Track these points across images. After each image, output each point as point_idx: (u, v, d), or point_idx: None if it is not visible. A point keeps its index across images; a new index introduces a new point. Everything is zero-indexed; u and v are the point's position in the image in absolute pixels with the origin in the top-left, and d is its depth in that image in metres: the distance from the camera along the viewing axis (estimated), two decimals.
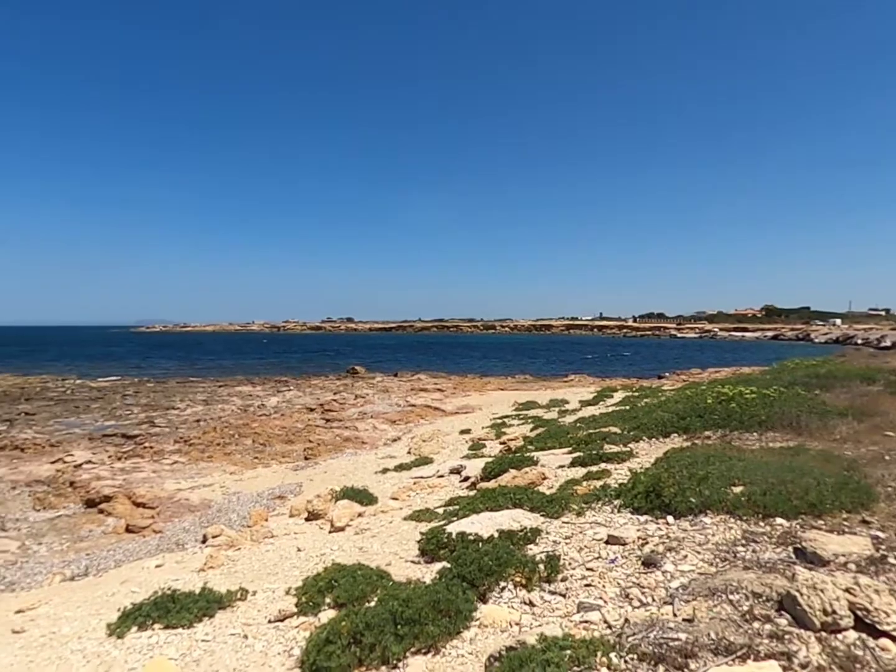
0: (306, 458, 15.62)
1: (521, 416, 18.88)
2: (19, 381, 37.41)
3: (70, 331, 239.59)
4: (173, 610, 5.00)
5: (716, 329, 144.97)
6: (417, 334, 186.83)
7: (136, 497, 11.24)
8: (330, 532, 7.52)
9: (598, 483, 6.91)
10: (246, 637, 4.51)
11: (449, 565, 4.71)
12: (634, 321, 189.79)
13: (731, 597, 3.37)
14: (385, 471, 12.14)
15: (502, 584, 4.34)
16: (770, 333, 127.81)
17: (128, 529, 9.84)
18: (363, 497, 8.83)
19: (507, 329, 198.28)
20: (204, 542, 8.23)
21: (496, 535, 5.29)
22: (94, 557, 8.32)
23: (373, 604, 4.25)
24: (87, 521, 10.49)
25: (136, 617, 5.01)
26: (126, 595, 5.99)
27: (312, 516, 8.40)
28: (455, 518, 6.48)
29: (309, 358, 66.88)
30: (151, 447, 16.85)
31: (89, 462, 14.83)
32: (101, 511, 10.91)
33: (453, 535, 5.49)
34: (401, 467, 12.18)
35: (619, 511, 5.62)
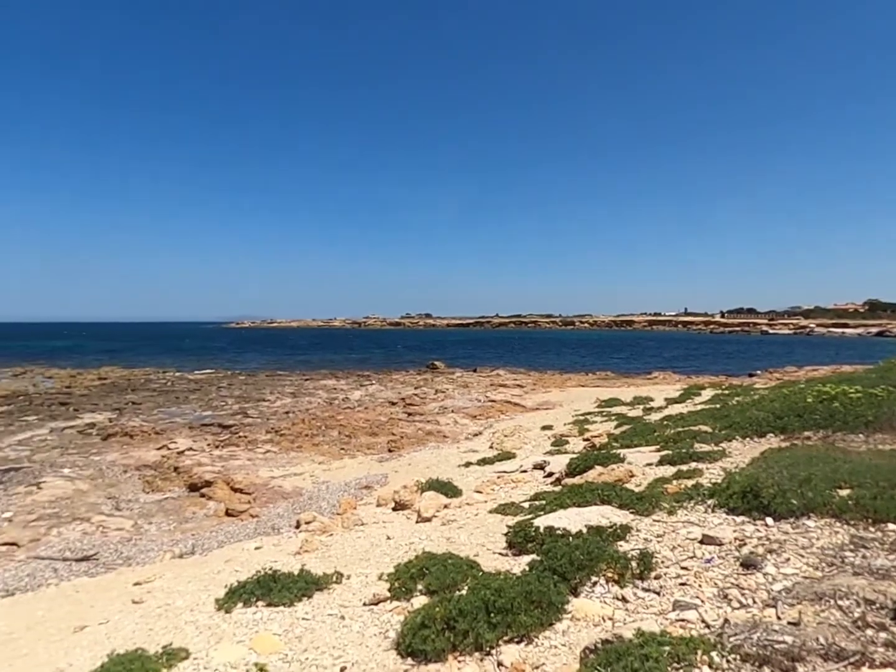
0: (390, 451, 16.00)
1: (605, 413, 18.55)
2: (125, 373, 40.32)
3: (168, 326, 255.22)
4: (275, 589, 5.29)
5: (812, 325, 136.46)
6: (495, 330, 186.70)
7: (233, 483, 11.91)
8: (417, 522, 7.71)
9: (690, 482, 6.73)
10: (343, 618, 4.72)
11: (539, 558, 4.75)
12: (722, 316, 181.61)
13: (840, 602, 3.23)
14: (468, 464, 12.27)
15: (594, 578, 4.33)
16: (874, 330, 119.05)
17: (227, 513, 10.45)
18: (448, 489, 8.98)
19: (586, 325, 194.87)
20: (297, 527, 8.62)
21: (585, 530, 5.28)
22: (199, 538, 8.91)
23: (464, 592, 4.34)
24: (190, 504, 11.22)
25: (241, 594, 5.34)
26: (230, 574, 6.39)
27: (399, 506, 8.63)
28: (541, 512, 6.50)
29: (389, 353, 68.23)
30: (245, 436, 17.77)
31: (190, 449, 15.83)
32: (202, 495, 11.64)
33: (541, 529, 5.52)
34: (483, 461, 12.27)
35: (713, 511, 5.46)
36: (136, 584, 6.64)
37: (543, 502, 7.14)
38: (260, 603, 5.17)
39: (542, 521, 5.79)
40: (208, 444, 16.79)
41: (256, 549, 7.65)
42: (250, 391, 30.55)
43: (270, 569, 5.72)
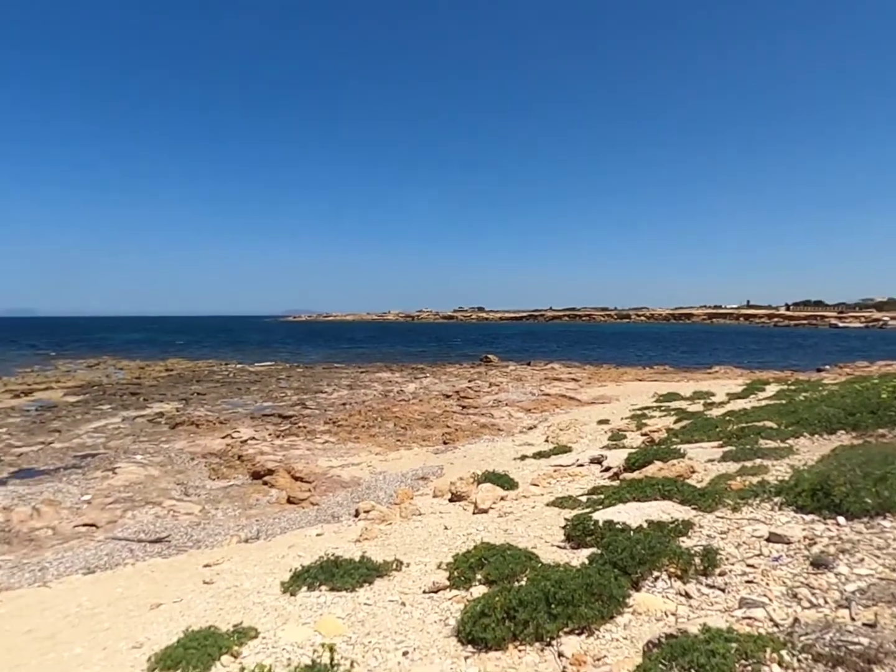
0: (445, 443, 16.13)
1: (663, 408, 18.16)
2: (190, 364, 41.95)
3: (229, 320, 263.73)
4: (337, 574, 5.45)
5: (886, 318, 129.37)
6: (548, 323, 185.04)
7: (294, 472, 12.27)
8: (474, 513, 7.77)
9: (755, 479, 6.53)
10: (403, 604, 4.82)
11: (598, 551, 4.72)
12: (787, 309, 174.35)
13: None
14: (523, 458, 12.26)
15: (655, 573, 4.28)
16: None
17: (289, 500, 10.78)
18: (504, 482, 9.00)
19: (642, 318, 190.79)
20: (357, 515, 8.82)
21: (645, 525, 5.21)
22: (263, 524, 9.23)
23: (523, 583, 4.37)
24: (254, 491, 11.63)
25: (305, 578, 5.53)
26: (294, 558, 6.60)
27: (456, 497, 8.71)
28: (600, 506, 6.45)
29: (443, 346, 68.55)
30: (304, 427, 18.24)
31: (253, 438, 16.37)
32: (265, 483, 12.04)
33: (600, 523, 5.48)
34: (539, 455, 12.23)
35: (780, 508, 5.29)
36: (206, 565, 6.94)
37: (601, 496, 7.08)
38: (323, 587, 5.33)
39: (600, 515, 5.75)
40: (269, 434, 17.32)
41: (318, 535, 7.87)
42: (308, 383, 31.28)
43: (332, 555, 5.89)
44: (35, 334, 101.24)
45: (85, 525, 9.77)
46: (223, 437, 16.68)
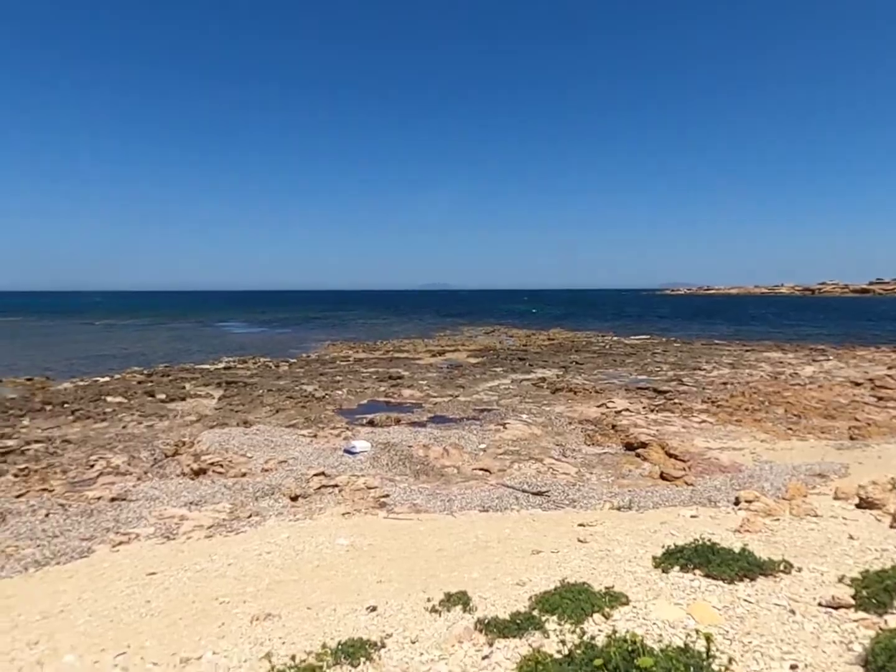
0: (851, 438, 13.61)
1: None
2: (570, 335, 44.49)
3: (607, 294, 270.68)
4: (714, 562, 5.14)
5: None
6: None
7: (668, 448, 11.96)
8: (890, 527, 6.40)
9: None
10: (793, 612, 4.28)
11: None
12: None
13: None
14: None
15: None
16: None
17: (662, 476, 10.57)
18: None
19: None
20: (736, 504, 8.15)
21: None
22: (636, 495, 9.25)
23: None
24: (626, 462, 11.75)
25: (678, 558, 5.36)
26: (666, 535, 6.46)
27: (865, 504, 7.29)
28: None
29: (850, 324, 57.81)
30: (680, 404, 17.57)
31: (626, 410, 16.51)
32: (637, 455, 12.04)
33: None
34: None
35: None
36: (580, 524, 7.33)
37: None
38: (697, 571, 5.10)
39: None
40: (643, 407, 17.21)
41: (692, 517, 7.54)
42: (685, 359, 29.98)
43: (708, 540, 5.57)
44: (447, 304, 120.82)
45: (481, 469, 11.30)
46: (598, 406, 17.23)
